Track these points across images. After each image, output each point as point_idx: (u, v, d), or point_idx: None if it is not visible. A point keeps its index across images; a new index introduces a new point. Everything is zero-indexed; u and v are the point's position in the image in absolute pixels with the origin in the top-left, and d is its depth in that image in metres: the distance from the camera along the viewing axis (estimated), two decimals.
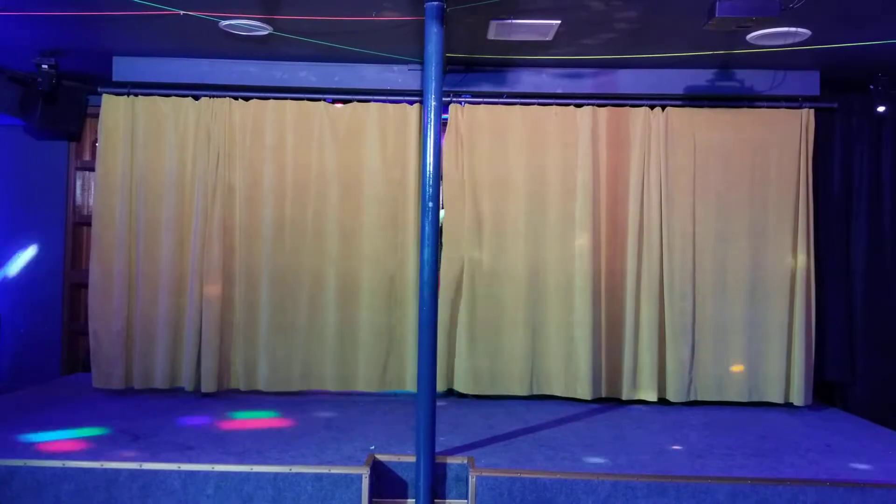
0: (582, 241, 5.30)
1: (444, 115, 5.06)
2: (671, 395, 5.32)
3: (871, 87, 5.38)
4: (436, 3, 3.73)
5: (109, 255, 5.36)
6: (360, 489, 3.62)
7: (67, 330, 6.22)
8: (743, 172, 5.39)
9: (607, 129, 5.39)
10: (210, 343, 5.26)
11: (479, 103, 5.44)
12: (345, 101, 5.49)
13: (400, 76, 5.38)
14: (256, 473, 3.65)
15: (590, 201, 5.31)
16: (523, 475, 3.66)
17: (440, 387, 5.20)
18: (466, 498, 3.73)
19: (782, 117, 5.41)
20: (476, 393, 5.36)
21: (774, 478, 3.70)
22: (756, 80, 5.32)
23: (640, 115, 5.42)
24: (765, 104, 5.43)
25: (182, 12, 4.23)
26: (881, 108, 5.32)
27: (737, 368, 5.32)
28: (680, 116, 5.42)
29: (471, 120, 5.41)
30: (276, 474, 3.65)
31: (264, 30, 4.62)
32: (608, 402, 5.35)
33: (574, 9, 4.24)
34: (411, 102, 5.50)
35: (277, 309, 5.36)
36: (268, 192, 5.39)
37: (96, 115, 5.51)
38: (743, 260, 5.36)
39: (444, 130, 5.37)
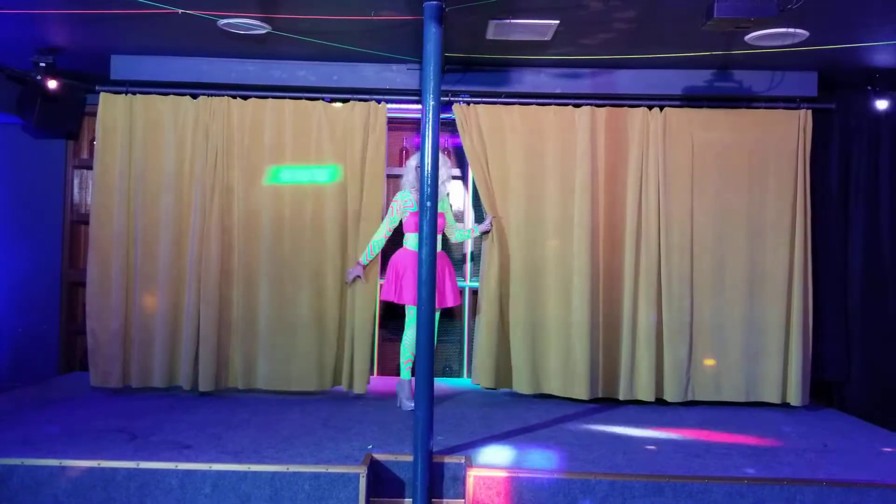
0: (580, 241, 5.30)
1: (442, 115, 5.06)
2: (669, 395, 5.32)
3: (869, 87, 5.39)
4: (434, 2, 3.73)
5: (107, 254, 5.35)
6: (357, 488, 3.62)
7: (65, 329, 6.21)
8: (741, 172, 5.39)
9: (606, 129, 5.39)
10: (208, 342, 5.26)
11: (477, 103, 5.44)
12: (343, 101, 5.49)
13: (399, 76, 5.38)
14: (254, 472, 3.64)
15: (588, 201, 5.32)
16: (520, 474, 3.67)
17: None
18: (463, 497, 3.73)
19: (780, 118, 5.41)
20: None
21: (771, 477, 3.71)
22: (754, 80, 5.33)
23: (638, 115, 5.42)
24: (763, 105, 5.44)
25: (181, 11, 4.22)
26: (882, 105, 5.35)
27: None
28: (678, 116, 5.42)
29: (478, 118, 5.42)
30: (274, 473, 3.65)
31: (263, 29, 4.62)
32: (606, 401, 5.36)
33: (573, 9, 4.24)
34: (410, 102, 5.52)
35: (276, 308, 5.35)
36: (266, 191, 5.39)
37: (94, 114, 5.49)
38: (740, 260, 5.36)
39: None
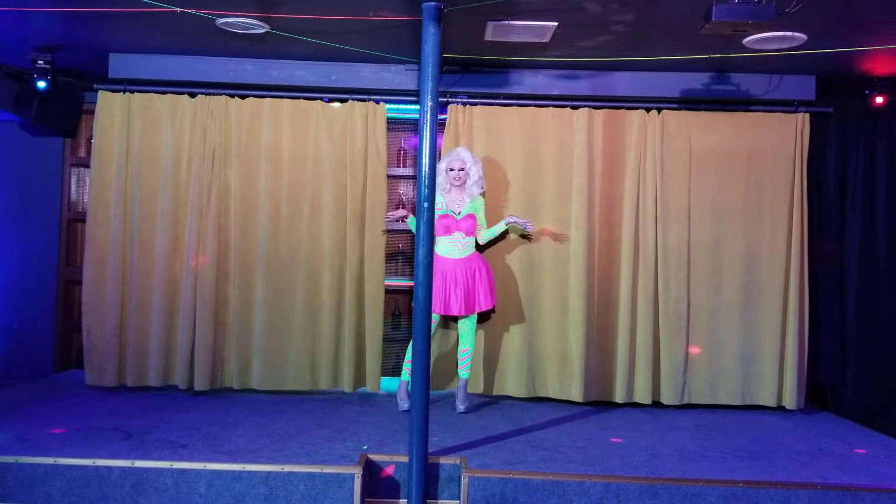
0: (577, 243, 5.30)
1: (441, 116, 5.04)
2: (665, 398, 5.33)
3: (867, 91, 5.40)
4: (433, 3, 3.73)
5: (104, 253, 5.34)
6: (352, 489, 3.61)
7: (61, 327, 6.20)
8: (738, 176, 5.40)
9: (603, 131, 5.39)
10: (204, 341, 5.25)
11: (475, 104, 5.44)
12: (342, 101, 5.48)
13: (397, 76, 5.37)
14: (249, 472, 3.64)
15: (585, 203, 5.32)
16: (515, 476, 3.67)
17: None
18: (459, 498, 3.73)
19: (778, 121, 5.42)
20: (474, 392, 5.34)
21: (766, 481, 3.71)
22: (752, 83, 5.33)
23: (636, 117, 5.42)
24: (760, 108, 5.44)
25: (179, 10, 4.22)
26: (880, 109, 5.37)
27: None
28: (676, 119, 5.43)
29: (471, 120, 5.41)
30: (269, 473, 3.64)
31: (261, 28, 4.61)
32: (602, 404, 5.36)
33: (571, 11, 4.24)
34: (408, 102, 5.52)
35: (272, 308, 5.35)
36: (263, 191, 5.38)
37: (92, 112, 5.48)
38: (737, 263, 5.37)
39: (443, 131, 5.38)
